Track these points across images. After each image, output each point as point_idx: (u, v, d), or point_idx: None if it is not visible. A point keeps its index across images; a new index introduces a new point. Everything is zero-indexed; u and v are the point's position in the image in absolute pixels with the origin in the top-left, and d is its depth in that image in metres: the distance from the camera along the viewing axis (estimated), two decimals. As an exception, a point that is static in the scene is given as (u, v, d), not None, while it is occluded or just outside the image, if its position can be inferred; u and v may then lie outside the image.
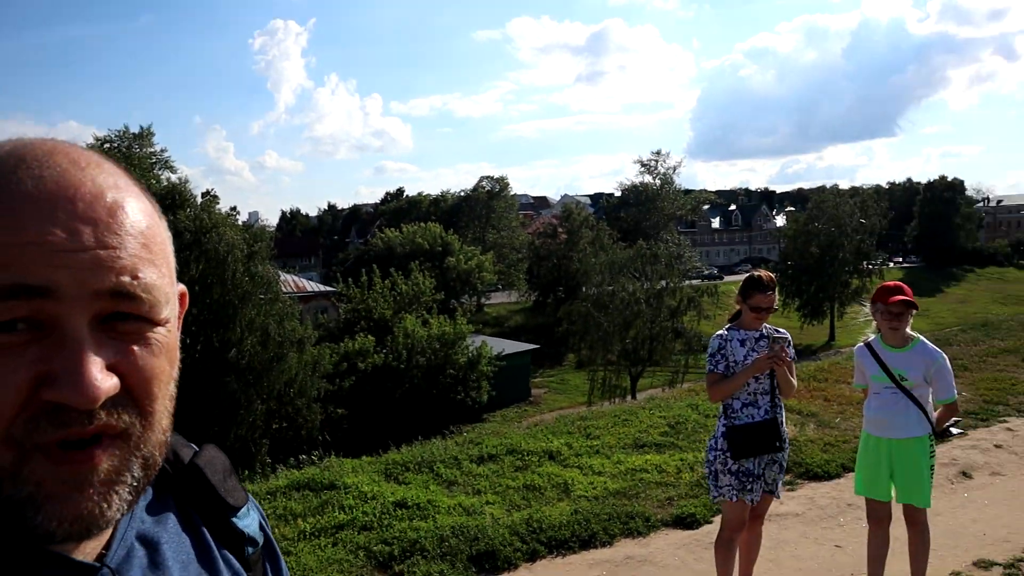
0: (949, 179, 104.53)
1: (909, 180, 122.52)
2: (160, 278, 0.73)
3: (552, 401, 40.05)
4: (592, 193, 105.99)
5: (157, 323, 0.73)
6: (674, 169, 76.40)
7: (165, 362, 0.74)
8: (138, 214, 0.74)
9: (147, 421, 0.72)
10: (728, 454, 4.78)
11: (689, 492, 7.10)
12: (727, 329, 4.90)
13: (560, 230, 62.07)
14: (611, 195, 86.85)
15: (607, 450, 8.38)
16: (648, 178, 75.33)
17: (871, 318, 4.97)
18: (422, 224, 59.44)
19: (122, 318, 0.70)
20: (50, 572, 0.72)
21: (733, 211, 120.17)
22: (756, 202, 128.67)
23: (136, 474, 0.72)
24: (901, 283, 4.89)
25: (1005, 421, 9.40)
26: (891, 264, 78.72)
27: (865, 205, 63.62)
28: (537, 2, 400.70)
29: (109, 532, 0.78)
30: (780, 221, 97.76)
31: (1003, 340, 14.47)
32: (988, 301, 72.56)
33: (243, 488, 0.96)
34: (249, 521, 0.95)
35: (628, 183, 76.73)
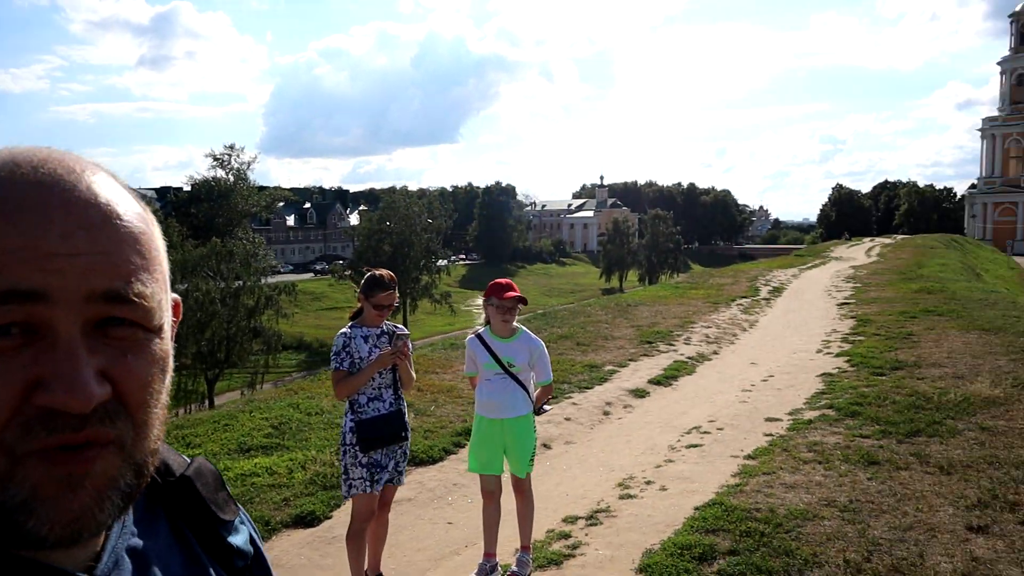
0: (503, 185, 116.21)
1: (470, 184, 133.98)
2: (154, 285, 0.74)
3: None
4: (159, 187, 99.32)
5: (150, 330, 0.74)
6: (248, 165, 74.40)
7: (158, 370, 0.74)
8: (132, 220, 0.74)
9: (139, 428, 0.73)
10: (358, 448, 4.93)
11: (304, 491, 7.09)
12: (350, 327, 5.06)
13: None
14: (180, 189, 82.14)
15: (212, 458, 8.03)
16: (221, 173, 72.50)
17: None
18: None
19: (115, 324, 0.71)
20: None
21: (308, 209, 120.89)
22: (330, 200, 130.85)
23: (128, 480, 0.72)
24: (510, 281, 5.44)
25: (571, 397, 10.78)
26: (456, 261, 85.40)
27: (432, 206, 68.29)
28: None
29: (98, 543, 0.77)
30: (354, 220, 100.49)
31: (560, 327, 16.54)
32: (538, 294, 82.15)
33: (233, 501, 0.95)
34: (239, 534, 0.95)
35: (199, 177, 73.10)
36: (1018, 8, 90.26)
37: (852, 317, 18.71)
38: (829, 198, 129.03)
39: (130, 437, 0.72)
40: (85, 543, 0.74)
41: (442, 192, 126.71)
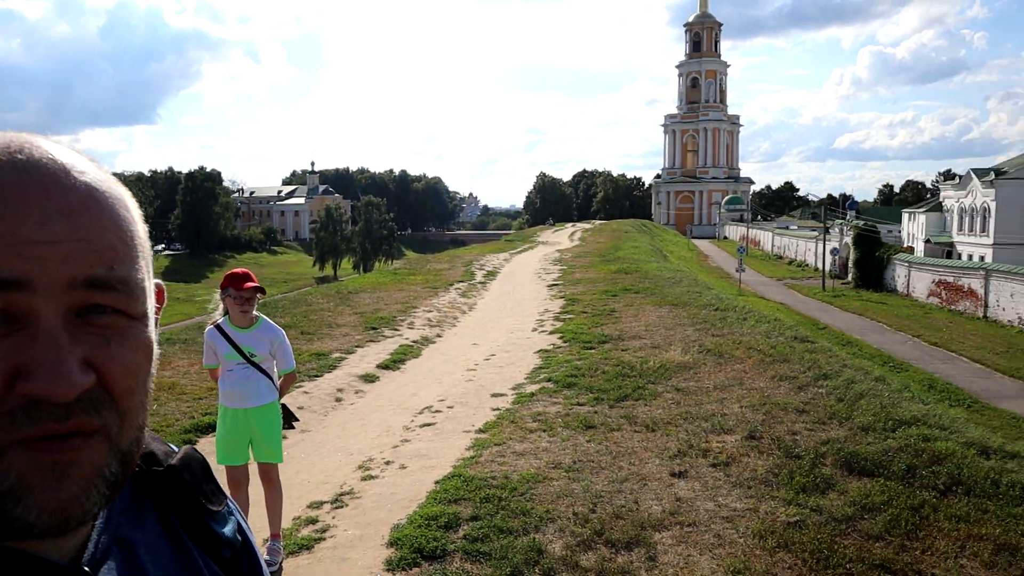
0: (208, 170, 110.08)
1: (171, 169, 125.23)
2: (136, 271, 0.73)
3: None
4: None
5: (134, 317, 0.73)
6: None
7: (142, 357, 0.73)
8: (114, 207, 0.73)
9: (124, 416, 0.72)
10: None
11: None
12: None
13: None
14: None
15: None
16: None
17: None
18: None
19: (98, 311, 0.70)
20: (26, 574, 0.70)
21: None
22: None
23: (114, 469, 0.71)
24: (248, 270, 5.39)
25: (301, 386, 10.71)
26: (157, 252, 79.84)
27: (130, 192, 63.29)
28: None
29: (84, 533, 0.76)
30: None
31: (282, 317, 16.21)
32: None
33: (221, 491, 0.93)
34: (227, 524, 0.93)
35: None
36: (691, 19, 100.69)
37: (561, 297, 20.16)
38: (534, 186, 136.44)
39: (115, 425, 0.71)
40: (72, 533, 0.74)
41: (139, 177, 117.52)
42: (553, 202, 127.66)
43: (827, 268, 51.62)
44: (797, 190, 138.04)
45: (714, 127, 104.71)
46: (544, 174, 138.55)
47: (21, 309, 0.66)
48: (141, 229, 0.76)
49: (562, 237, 52.45)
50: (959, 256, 52.69)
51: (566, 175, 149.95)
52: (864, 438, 7.14)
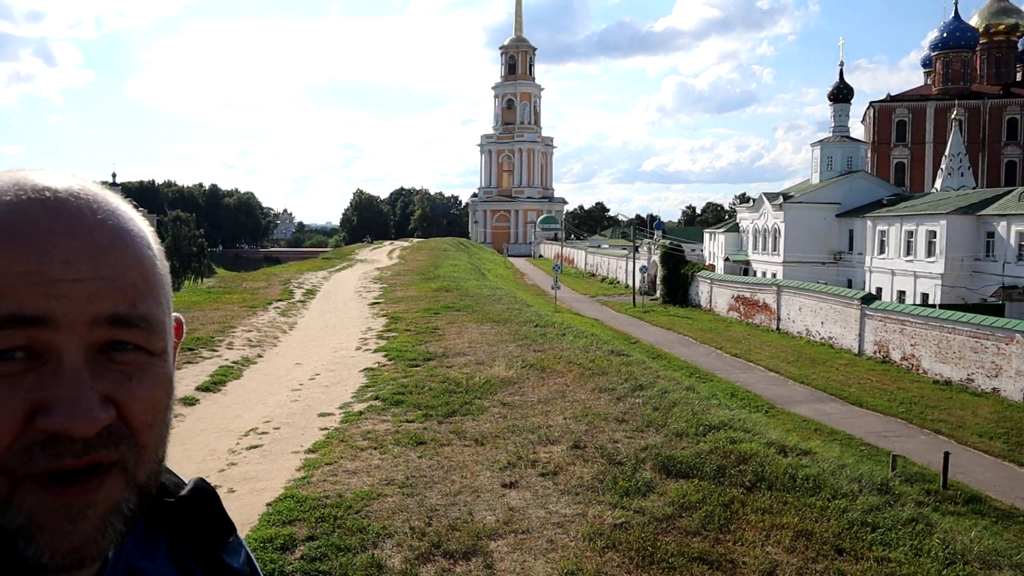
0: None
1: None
2: (157, 308, 0.74)
3: None
4: None
5: (154, 353, 0.74)
6: None
7: (162, 392, 0.74)
8: (137, 246, 0.74)
9: (143, 451, 0.72)
10: None
11: None
12: None
13: None
14: None
15: None
16: None
17: None
18: None
19: (120, 348, 0.71)
20: None
21: None
22: None
23: (131, 504, 0.72)
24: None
25: (113, 412, 10.14)
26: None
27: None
28: None
29: (99, 563, 0.76)
30: None
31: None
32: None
33: (231, 522, 0.93)
34: (237, 555, 0.93)
35: None
36: (506, 42, 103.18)
37: (384, 315, 20.10)
38: (351, 203, 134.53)
39: (133, 460, 0.71)
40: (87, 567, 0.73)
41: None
42: (370, 219, 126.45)
43: (637, 285, 54.23)
44: (608, 210, 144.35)
45: (529, 148, 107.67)
46: (361, 191, 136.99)
47: (44, 345, 0.67)
48: (162, 265, 0.77)
49: (381, 255, 52.20)
50: (755, 273, 56.84)
51: (383, 192, 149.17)
52: (679, 443, 7.65)
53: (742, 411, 10.45)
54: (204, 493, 0.90)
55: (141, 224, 0.77)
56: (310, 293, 26.78)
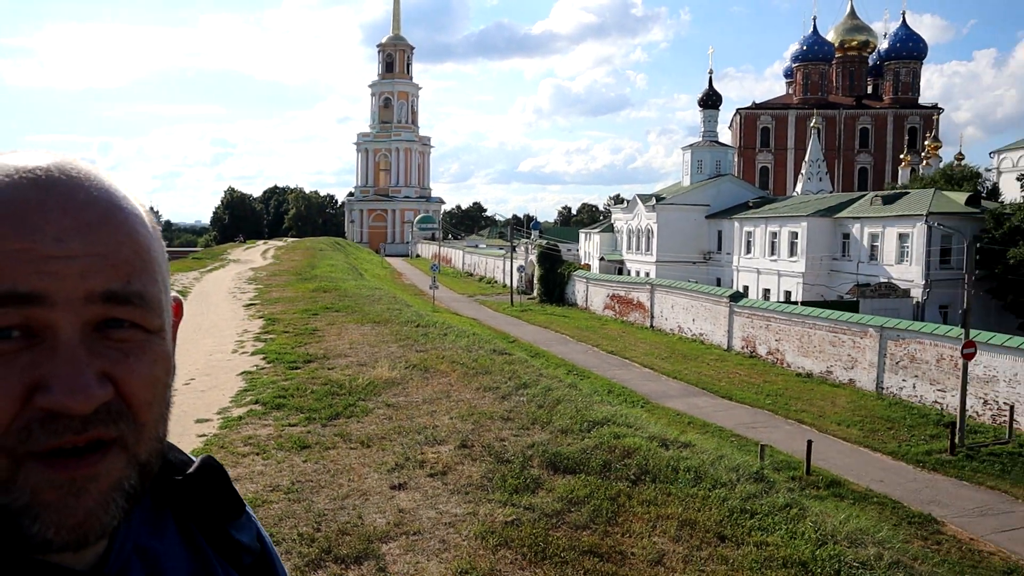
0: None
1: None
2: (153, 285, 0.74)
3: None
4: None
5: (151, 331, 0.74)
6: None
7: (160, 370, 0.74)
8: (131, 223, 0.74)
9: (142, 429, 0.72)
10: None
11: None
12: None
13: None
14: None
15: None
16: None
17: None
18: None
19: (116, 325, 0.71)
20: None
21: None
22: None
23: (133, 480, 0.72)
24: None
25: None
26: None
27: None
28: None
29: (106, 542, 0.76)
30: None
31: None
32: None
33: (240, 498, 0.91)
34: (246, 531, 0.93)
35: None
36: (384, 40, 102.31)
37: (260, 317, 19.57)
38: (222, 201, 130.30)
39: (133, 437, 0.72)
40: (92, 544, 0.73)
41: None
42: (243, 218, 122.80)
43: (515, 284, 54.81)
44: (485, 210, 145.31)
45: (406, 147, 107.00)
46: (233, 189, 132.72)
47: (40, 323, 0.67)
48: (158, 244, 0.77)
49: (254, 255, 50.83)
50: (629, 272, 58.41)
51: (256, 191, 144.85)
52: (564, 439, 7.79)
53: (623, 407, 10.74)
54: (212, 470, 0.90)
55: (134, 203, 0.77)
56: (181, 294, 25.66)
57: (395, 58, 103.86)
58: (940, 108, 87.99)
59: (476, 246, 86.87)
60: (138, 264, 0.73)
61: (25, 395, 0.66)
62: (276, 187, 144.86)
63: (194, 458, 0.92)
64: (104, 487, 0.70)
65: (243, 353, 14.49)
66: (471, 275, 75.97)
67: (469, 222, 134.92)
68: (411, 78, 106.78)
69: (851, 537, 5.83)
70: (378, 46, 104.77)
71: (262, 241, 77.46)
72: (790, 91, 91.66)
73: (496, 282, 65.50)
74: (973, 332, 20.94)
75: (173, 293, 0.81)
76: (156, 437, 0.75)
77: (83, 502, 0.68)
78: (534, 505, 6.15)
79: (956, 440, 18.71)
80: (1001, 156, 57.67)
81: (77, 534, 0.68)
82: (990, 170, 58.02)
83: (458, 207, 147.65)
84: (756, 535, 5.57)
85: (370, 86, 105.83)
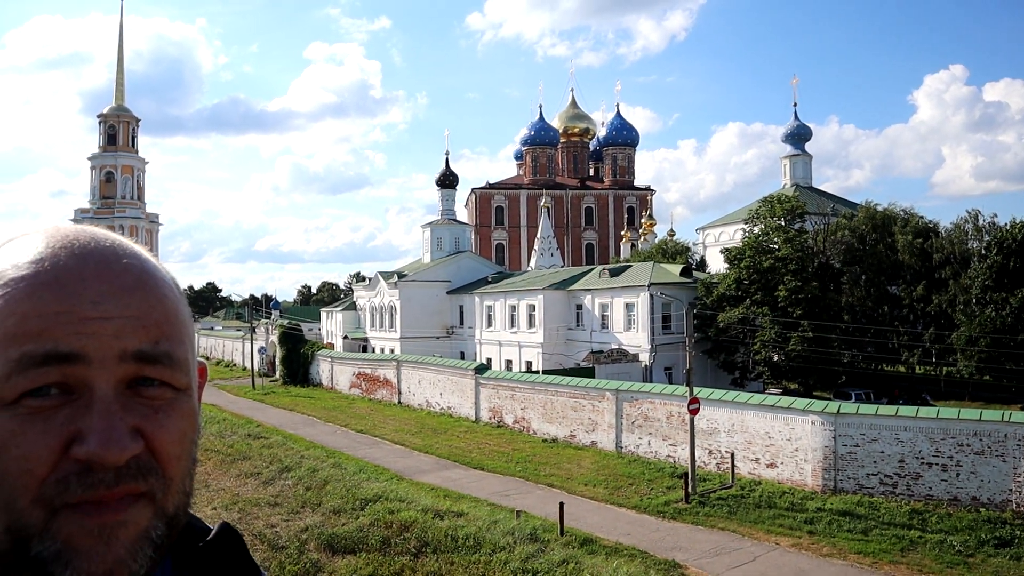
0: None
1: None
2: (180, 346, 0.78)
3: None
4: None
5: (179, 389, 0.78)
6: None
7: (188, 426, 0.78)
8: (160, 289, 0.79)
9: (170, 482, 0.76)
10: None
11: None
12: None
13: None
14: None
15: None
16: None
17: None
18: None
19: (147, 383, 0.75)
20: None
21: None
22: None
23: (160, 531, 0.75)
24: None
25: None
26: None
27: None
28: None
29: None
30: None
31: None
32: None
33: (257, 566, 0.91)
34: None
35: None
36: (105, 110, 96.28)
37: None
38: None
39: (161, 490, 0.75)
40: None
41: None
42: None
43: (256, 367, 52.71)
44: (220, 290, 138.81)
45: (131, 224, 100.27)
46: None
47: (77, 381, 0.71)
48: (185, 309, 0.83)
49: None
50: (374, 349, 58.19)
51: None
52: (338, 520, 7.67)
53: (393, 482, 10.72)
54: (231, 538, 0.93)
55: (165, 272, 0.83)
56: None
57: (118, 129, 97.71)
58: (653, 190, 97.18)
59: (212, 328, 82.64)
60: (167, 327, 0.78)
61: (63, 448, 0.70)
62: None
63: (210, 526, 0.94)
64: (133, 535, 0.73)
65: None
66: (208, 359, 71.99)
67: (203, 303, 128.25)
68: (136, 151, 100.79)
69: (625, 585, 6.23)
70: (99, 116, 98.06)
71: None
72: (521, 172, 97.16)
73: (235, 365, 62.63)
74: (696, 390, 23.06)
75: (200, 358, 0.86)
76: (183, 491, 0.79)
77: (113, 549, 0.71)
78: (317, 589, 6.00)
79: (689, 489, 20.35)
80: (705, 232, 64.88)
81: None
82: (697, 244, 64.90)
83: (191, 288, 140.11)
84: (541, 593, 5.80)
85: (90, 159, 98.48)
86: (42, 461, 0.69)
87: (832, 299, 38.96)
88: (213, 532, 0.93)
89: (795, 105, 73.88)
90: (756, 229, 42.63)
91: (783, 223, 41.83)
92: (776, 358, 38.11)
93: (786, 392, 34.52)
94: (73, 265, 0.74)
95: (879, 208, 42.74)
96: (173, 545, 0.80)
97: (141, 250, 0.82)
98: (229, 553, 0.92)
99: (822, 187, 70.18)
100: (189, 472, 0.80)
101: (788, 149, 68.13)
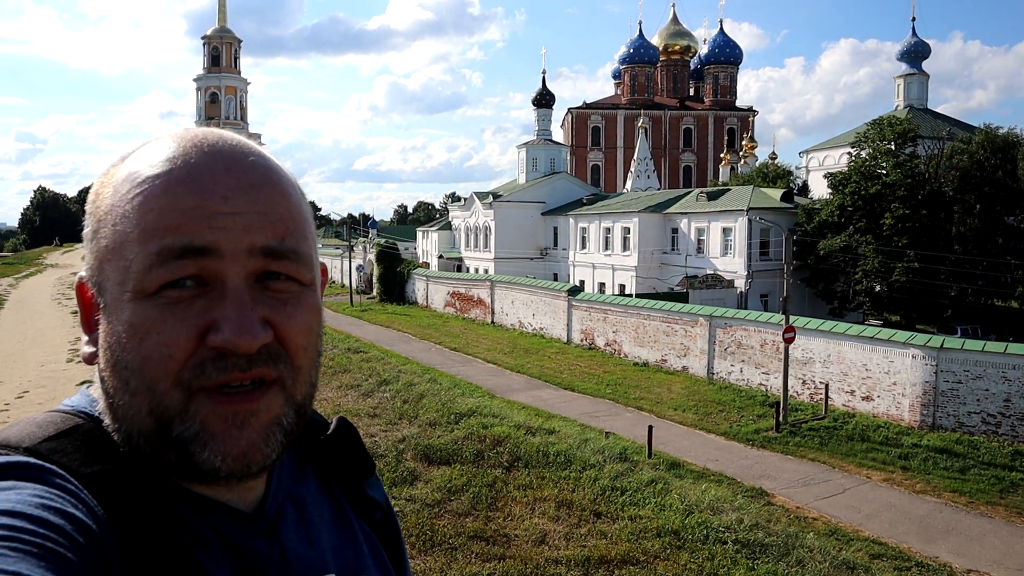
0: None
1: None
2: (304, 243, 0.83)
3: None
4: None
5: (304, 284, 0.82)
6: None
7: (313, 319, 0.83)
8: (285, 189, 0.83)
9: (298, 371, 0.80)
10: None
11: None
12: None
13: None
14: None
15: None
16: None
17: None
18: None
19: (274, 277, 0.79)
20: (217, 520, 0.80)
21: None
22: None
23: (290, 418, 0.80)
24: None
25: None
26: None
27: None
28: None
29: (262, 488, 0.87)
30: None
31: None
32: None
33: (371, 458, 1.00)
34: (377, 489, 1.04)
35: None
36: (209, 32, 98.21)
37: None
38: (32, 201, 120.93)
39: (290, 378, 0.79)
40: (252, 485, 0.84)
41: None
42: (57, 220, 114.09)
43: (354, 284, 54.13)
44: (320, 209, 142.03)
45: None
46: (44, 189, 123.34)
47: (211, 273, 0.76)
48: (306, 208, 0.86)
49: (75, 259, 47.62)
50: (467, 269, 58.95)
51: (71, 190, 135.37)
52: (434, 432, 7.97)
53: (487, 398, 11.02)
54: (348, 432, 1.01)
55: (288, 172, 0.86)
56: (-5, 302, 23.94)
57: (222, 51, 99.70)
58: (755, 111, 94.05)
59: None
60: (292, 223, 0.82)
61: (199, 336, 0.75)
62: (92, 186, 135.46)
63: (328, 420, 1.03)
64: (264, 421, 0.77)
65: (79, 363, 13.72)
66: (308, 275, 74.11)
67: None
68: (239, 72, 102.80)
69: (712, 506, 6.34)
70: (203, 38, 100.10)
71: (81, 244, 72.55)
72: (619, 92, 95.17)
73: (335, 282, 64.44)
74: (792, 318, 22.67)
75: (321, 260, 0.90)
76: (310, 381, 0.83)
77: (246, 433, 0.76)
78: (415, 496, 6.30)
79: (780, 418, 20.23)
80: (809, 156, 62.52)
81: (241, 463, 0.77)
82: (800, 168, 62.71)
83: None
84: (629, 509, 5.96)
85: (195, 80, 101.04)
86: (181, 347, 0.74)
87: (942, 228, 37.29)
88: (333, 426, 1.00)
89: (913, 19, 69.77)
90: (863, 153, 40.83)
91: (893, 147, 39.92)
92: (878, 289, 36.96)
93: (887, 324, 33.56)
94: (204, 162, 0.78)
95: (1000, 132, 40.25)
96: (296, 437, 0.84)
97: (264, 150, 0.85)
98: (347, 446, 0.99)
99: (939, 109, 66.47)
100: (315, 364, 0.84)
101: (903, 68, 64.36)
